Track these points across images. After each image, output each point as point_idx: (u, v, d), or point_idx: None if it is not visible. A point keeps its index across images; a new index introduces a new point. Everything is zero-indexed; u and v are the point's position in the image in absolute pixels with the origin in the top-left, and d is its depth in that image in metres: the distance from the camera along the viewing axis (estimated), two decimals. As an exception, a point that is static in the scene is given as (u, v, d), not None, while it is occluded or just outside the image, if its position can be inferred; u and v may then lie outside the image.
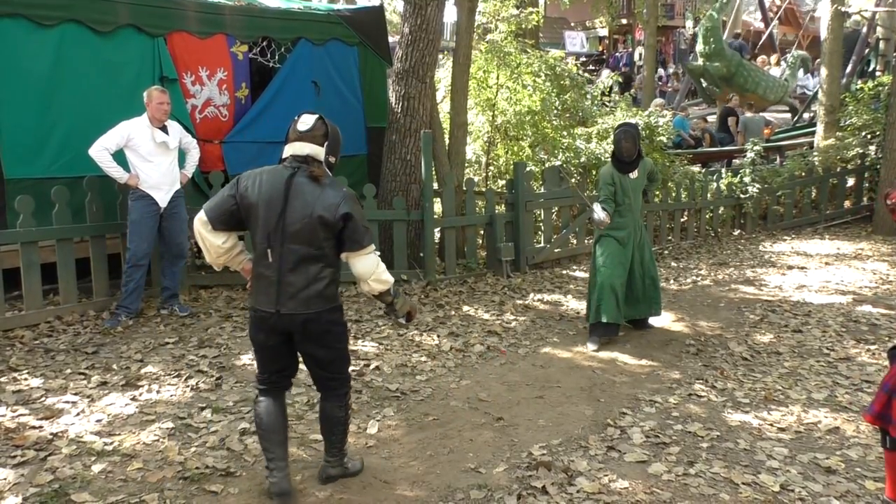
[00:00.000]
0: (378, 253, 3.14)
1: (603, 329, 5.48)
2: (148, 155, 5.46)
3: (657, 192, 9.35)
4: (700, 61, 14.53)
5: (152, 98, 5.46)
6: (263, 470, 3.39)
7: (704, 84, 15.07)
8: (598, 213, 5.41)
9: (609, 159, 5.69)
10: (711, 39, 13.85)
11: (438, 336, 5.55)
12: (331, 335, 3.10)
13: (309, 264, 2.99)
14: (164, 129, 5.55)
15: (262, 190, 2.98)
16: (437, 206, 7.70)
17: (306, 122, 3.07)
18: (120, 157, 5.43)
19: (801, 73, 16.20)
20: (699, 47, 14.49)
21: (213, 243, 3.07)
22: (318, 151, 3.06)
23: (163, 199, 5.58)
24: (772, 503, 3.25)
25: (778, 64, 16.56)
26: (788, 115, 15.59)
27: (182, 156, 5.85)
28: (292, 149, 3.05)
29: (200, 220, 3.05)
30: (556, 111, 9.76)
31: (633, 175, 5.52)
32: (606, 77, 12.17)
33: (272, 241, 2.97)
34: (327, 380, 3.20)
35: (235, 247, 3.13)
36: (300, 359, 3.24)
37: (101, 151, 5.30)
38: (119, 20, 6.06)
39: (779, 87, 14.67)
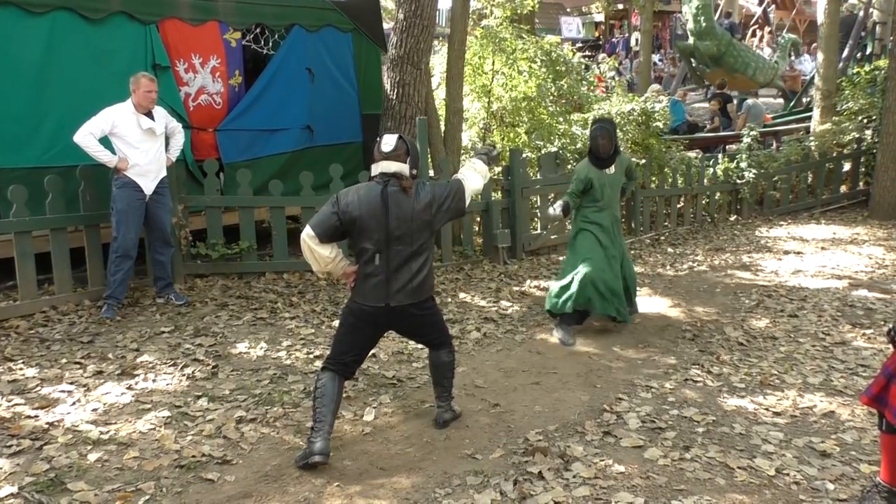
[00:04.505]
0: (465, 182, 3.59)
1: (570, 318, 5.29)
2: (135, 142, 5.37)
3: (653, 179, 9.33)
4: (690, 40, 14.46)
5: (140, 85, 5.33)
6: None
7: (694, 63, 15.03)
8: (552, 209, 5.41)
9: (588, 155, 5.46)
10: (702, 18, 13.81)
11: (435, 323, 5.54)
12: (431, 316, 3.64)
13: (412, 261, 3.44)
14: (149, 114, 5.44)
15: (363, 204, 3.37)
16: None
17: (389, 143, 3.45)
18: (106, 144, 5.35)
19: (791, 56, 16.21)
20: (689, 26, 14.46)
21: (322, 255, 3.43)
22: (404, 168, 3.44)
23: (148, 187, 5.49)
24: (767, 487, 3.26)
25: (770, 44, 16.52)
26: (781, 101, 15.59)
27: (167, 140, 5.74)
28: (380, 167, 3.44)
29: (309, 235, 3.39)
30: (552, 97, 9.73)
31: (611, 171, 5.38)
32: (604, 62, 12.15)
33: (380, 246, 3.39)
34: (435, 340, 3.72)
35: (339, 255, 3.51)
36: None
37: (86, 136, 5.21)
38: (111, 7, 6.00)
39: (768, 68, 14.62)
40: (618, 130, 6.09)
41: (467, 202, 3.59)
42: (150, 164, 5.48)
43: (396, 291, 3.43)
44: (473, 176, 3.68)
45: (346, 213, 3.36)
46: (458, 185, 3.56)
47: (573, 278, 5.26)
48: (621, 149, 5.62)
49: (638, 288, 6.29)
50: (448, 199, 3.49)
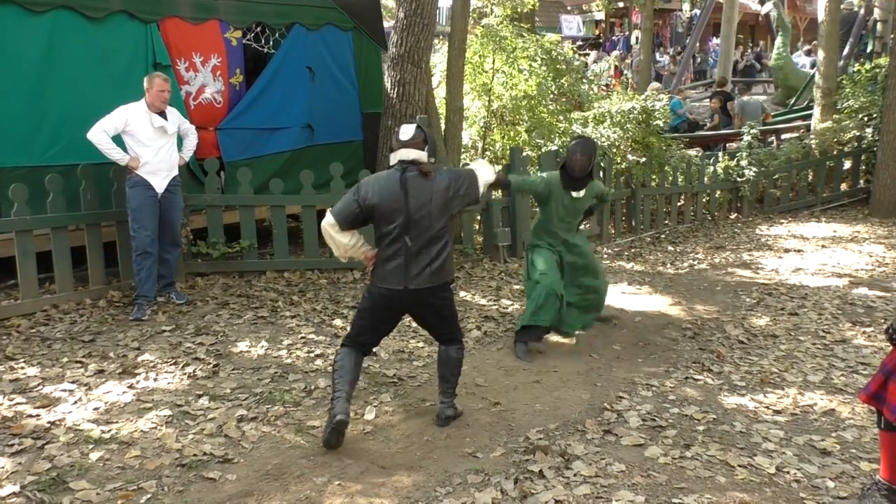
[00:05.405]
0: (477, 171, 3.71)
1: (533, 333, 4.95)
2: (146, 140, 5.43)
3: (653, 177, 9.32)
4: (780, 91, 15.13)
5: (154, 84, 5.41)
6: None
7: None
8: (482, 168, 4.96)
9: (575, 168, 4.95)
10: (790, 75, 14.59)
11: (435, 322, 5.54)
12: (447, 307, 3.73)
13: (432, 245, 3.54)
14: (162, 114, 5.51)
15: (382, 191, 3.48)
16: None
17: (407, 132, 3.56)
18: (118, 142, 5.39)
19: None
20: (778, 81, 15.13)
21: (342, 242, 3.57)
22: (422, 156, 3.55)
23: (160, 185, 5.53)
24: (767, 485, 3.26)
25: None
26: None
27: (180, 140, 5.81)
28: (399, 155, 3.54)
29: (329, 223, 3.52)
30: (552, 95, 9.72)
31: (577, 194, 4.98)
32: (605, 60, 12.14)
33: (401, 230, 3.49)
34: (447, 334, 3.80)
35: (358, 241, 3.62)
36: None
37: (100, 134, 5.26)
38: (111, 6, 6.00)
39: None
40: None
41: (481, 191, 3.70)
42: (160, 163, 5.51)
43: (416, 275, 3.53)
44: (484, 168, 3.81)
45: (366, 201, 3.48)
46: (471, 172, 3.70)
47: (535, 292, 4.92)
48: (604, 174, 5.24)
49: (639, 286, 6.30)
50: (463, 185, 3.60)
